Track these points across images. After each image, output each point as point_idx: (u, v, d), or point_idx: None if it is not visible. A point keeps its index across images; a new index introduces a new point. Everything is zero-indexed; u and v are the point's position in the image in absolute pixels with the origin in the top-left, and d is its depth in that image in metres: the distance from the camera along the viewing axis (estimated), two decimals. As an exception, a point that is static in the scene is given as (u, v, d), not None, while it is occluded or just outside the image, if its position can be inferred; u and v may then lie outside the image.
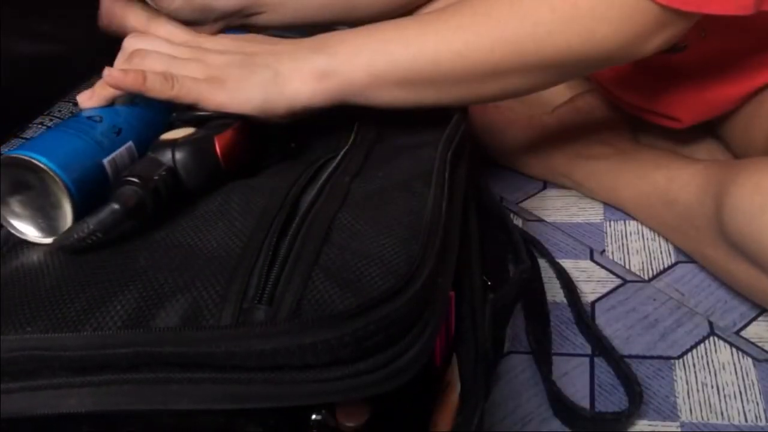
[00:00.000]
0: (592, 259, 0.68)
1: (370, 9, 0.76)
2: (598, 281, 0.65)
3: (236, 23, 0.72)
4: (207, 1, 0.69)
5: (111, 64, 0.60)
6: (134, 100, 0.51)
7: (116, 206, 0.39)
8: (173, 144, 0.44)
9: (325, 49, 0.51)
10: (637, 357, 0.56)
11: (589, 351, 0.57)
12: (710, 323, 0.59)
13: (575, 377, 0.55)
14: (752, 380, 0.53)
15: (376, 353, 0.31)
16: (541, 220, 0.74)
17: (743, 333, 0.58)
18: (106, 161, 0.45)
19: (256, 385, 0.30)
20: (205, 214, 0.41)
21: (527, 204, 0.77)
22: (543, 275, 0.64)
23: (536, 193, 0.78)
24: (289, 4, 0.72)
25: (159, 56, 0.51)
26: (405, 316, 0.32)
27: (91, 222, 0.38)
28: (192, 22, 0.69)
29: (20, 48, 0.56)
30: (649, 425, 0.51)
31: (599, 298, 0.63)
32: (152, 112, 0.51)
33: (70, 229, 0.39)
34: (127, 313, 0.33)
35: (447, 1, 0.59)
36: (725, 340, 0.57)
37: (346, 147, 0.51)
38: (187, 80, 0.49)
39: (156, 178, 0.42)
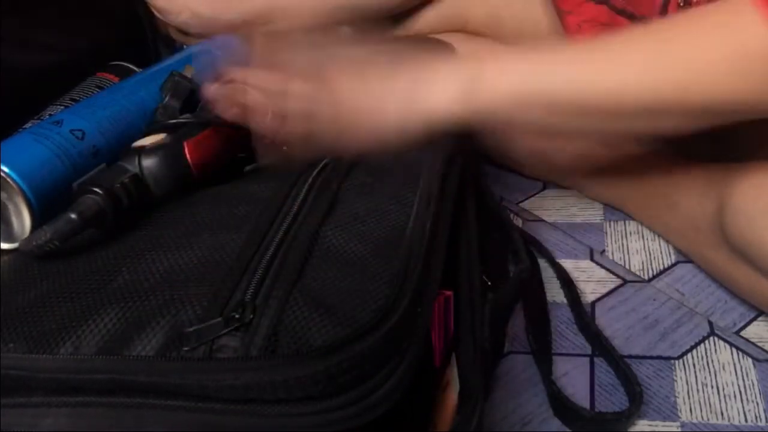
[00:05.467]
0: (592, 259, 0.68)
1: (379, 9, 0.76)
2: (598, 281, 0.65)
3: (244, 33, 0.72)
4: (214, 14, 0.69)
5: (113, 73, 0.60)
6: (105, 104, 0.50)
7: (73, 216, 0.39)
8: (140, 151, 0.44)
9: (467, 69, 0.48)
10: (637, 357, 0.56)
11: (589, 351, 0.57)
12: (710, 323, 0.59)
13: (575, 377, 0.55)
14: (752, 380, 0.53)
15: (349, 389, 0.31)
16: (541, 220, 0.74)
17: (743, 333, 0.58)
18: (68, 167, 0.45)
19: (229, 417, 0.30)
20: (192, 224, 0.41)
21: (527, 204, 0.77)
22: (543, 275, 0.64)
23: (536, 193, 0.78)
24: (296, 13, 0.72)
25: (294, 101, 0.47)
26: (380, 351, 0.31)
27: (49, 231, 0.38)
28: (200, 34, 0.69)
29: (20, 58, 0.56)
30: (649, 425, 0.51)
31: (599, 298, 0.63)
32: (126, 117, 0.50)
33: (29, 237, 0.39)
34: (109, 334, 0.32)
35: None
36: (725, 340, 0.57)
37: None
38: (327, 135, 0.46)
39: (117, 186, 0.42)
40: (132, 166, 0.44)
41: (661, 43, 0.47)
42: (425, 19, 0.78)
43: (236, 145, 0.51)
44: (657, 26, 0.49)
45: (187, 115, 0.50)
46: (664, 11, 0.59)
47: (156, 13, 0.70)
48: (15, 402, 0.32)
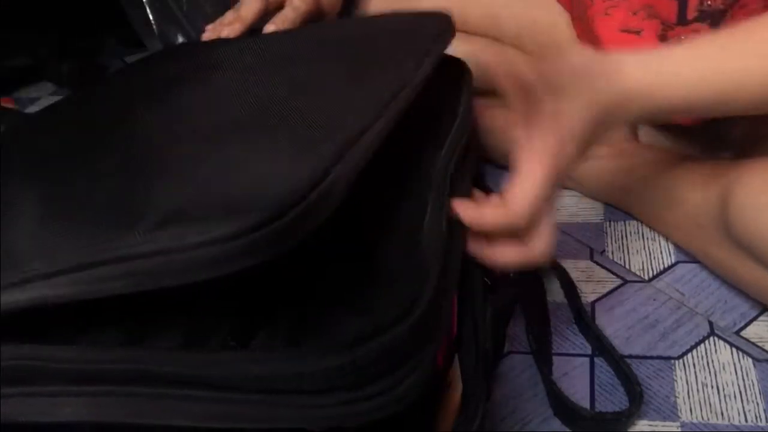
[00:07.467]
0: (592, 259, 0.68)
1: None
2: (598, 281, 0.65)
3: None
4: None
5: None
6: None
7: None
8: None
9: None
10: (637, 357, 0.56)
11: (589, 351, 0.57)
12: (710, 323, 0.59)
13: (575, 377, 0.55)
14: (752, 380, 0.53)
15: (375, 380, 0.30)
16: (540, 220, 0.74)
17: (743, 333, 0.58)
18: None
19: (252, 407, 0.30)
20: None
21: (527, 204, 0.76)
22: (543, 275, 0.64)
23: (536, 193, 0.78)
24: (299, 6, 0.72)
25: None
26: (406, 343, 0.31)
27: None
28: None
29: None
30: (649, 425, 0.51)
31: (599, 298, 0.63)
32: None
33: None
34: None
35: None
36: (725, 340, 0.57)
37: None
38: None
39: None
40: None
41: None
42: None
43: None
44: None
45: None
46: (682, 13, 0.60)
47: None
48: (32, 391, 0.32)
